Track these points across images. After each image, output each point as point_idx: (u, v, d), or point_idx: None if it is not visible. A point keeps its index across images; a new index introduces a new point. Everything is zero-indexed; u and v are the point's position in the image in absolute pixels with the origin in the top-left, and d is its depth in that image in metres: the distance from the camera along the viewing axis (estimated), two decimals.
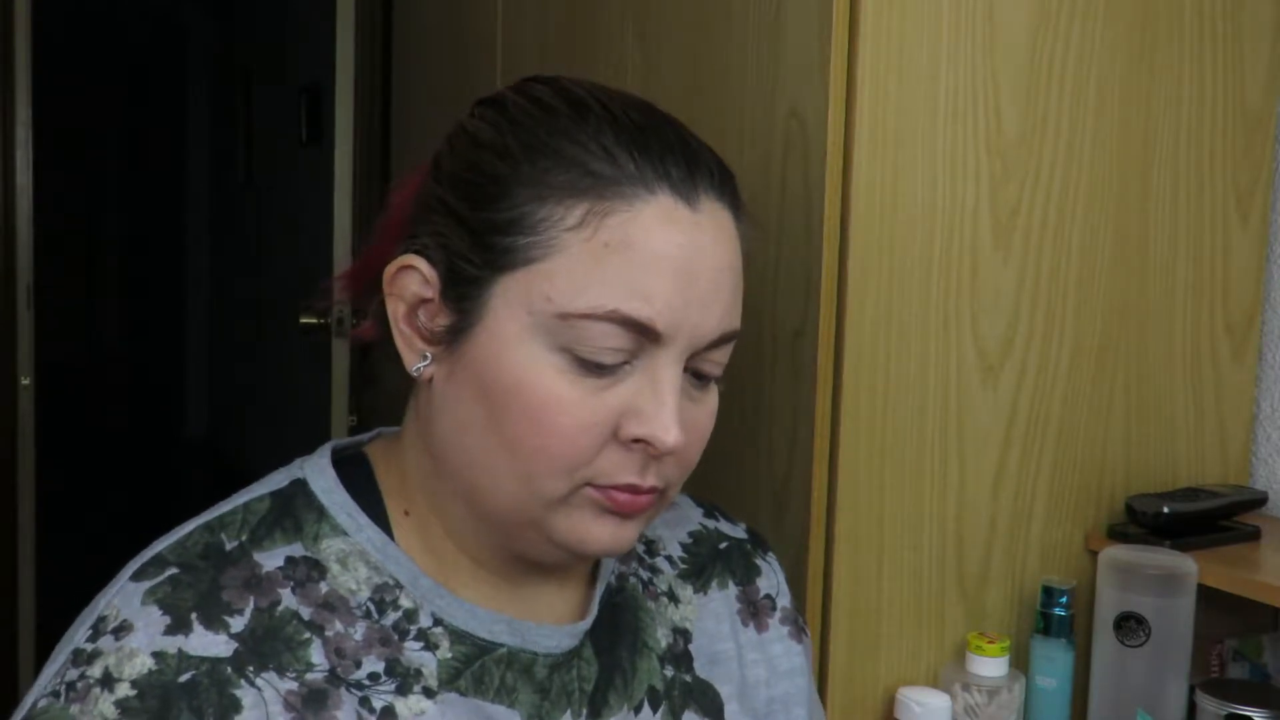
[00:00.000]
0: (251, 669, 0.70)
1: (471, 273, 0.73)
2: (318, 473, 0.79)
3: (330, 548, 0.76)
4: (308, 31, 4.29)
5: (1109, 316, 1.33)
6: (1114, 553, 1.26)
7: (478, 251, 0.73)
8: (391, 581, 0.76)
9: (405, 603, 0.76)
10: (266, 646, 0.71)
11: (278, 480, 0.79)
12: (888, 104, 1.16)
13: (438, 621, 0.76)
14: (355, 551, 0.76)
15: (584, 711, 0.80)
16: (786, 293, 1.21)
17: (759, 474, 1.25)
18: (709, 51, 1.31)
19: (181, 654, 0.68)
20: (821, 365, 1.18)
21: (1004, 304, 1.25)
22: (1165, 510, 1.29)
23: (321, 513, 0.77)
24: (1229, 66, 1.38)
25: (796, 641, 0.95)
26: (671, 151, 0.73)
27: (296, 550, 0.75)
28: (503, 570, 0.80)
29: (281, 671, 0.71)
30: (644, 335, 0.71)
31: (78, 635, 0.70)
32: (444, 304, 0.74)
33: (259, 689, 0.70)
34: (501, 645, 0.78)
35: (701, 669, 0.88)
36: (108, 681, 0.67)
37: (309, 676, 0.71)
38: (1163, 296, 1.37)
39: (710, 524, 0.96)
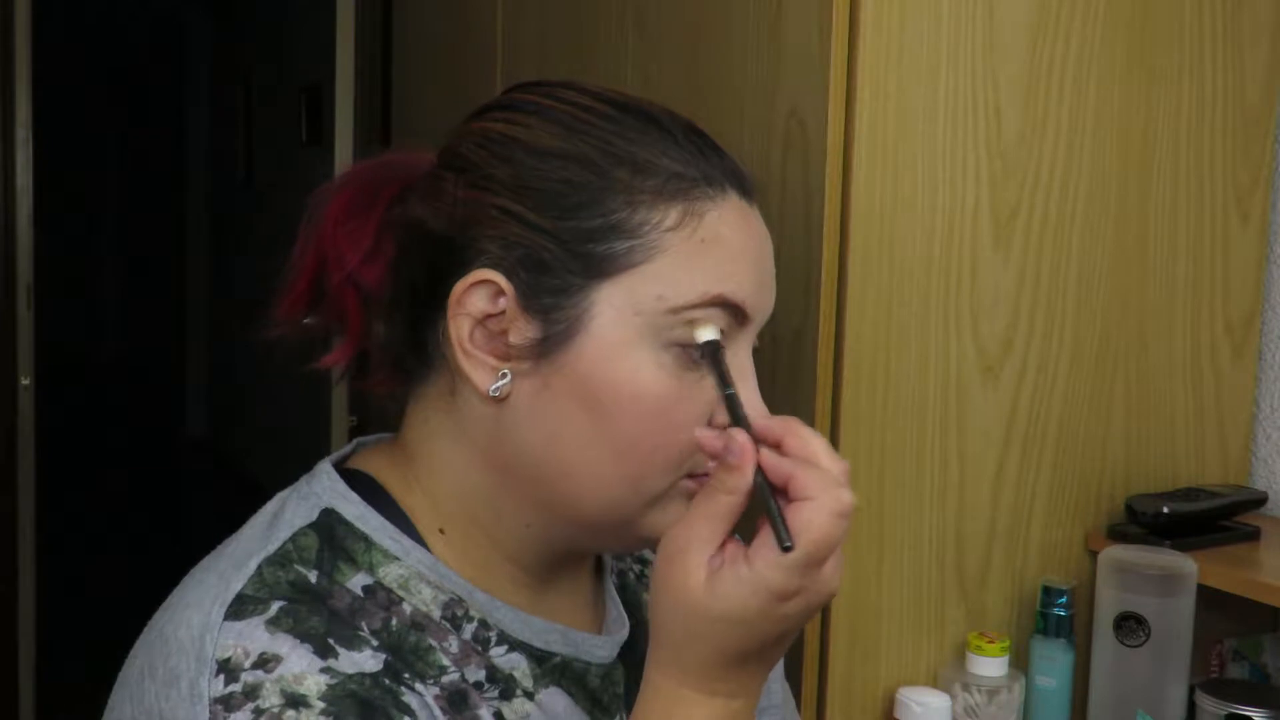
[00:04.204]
0: (407, 676, 0.70)
1: (563, 282, 0.72)
2: (341, 499, 0.76)
3: (389, 574, 0.74)
4: (308, 31, 4.29)
5: (1109, 316, 1.33)
6: (1114, 553, 1.26)
7: (569, 260, 0.72)
8: (454, 598, 0.75)
9: (474, 613, 0.75)
10: (401, 658, 0.70)
11: (301, 511, 0.76)
12: (888, 104, 1.16)
13: (502, 635, 0.76)
14: (412, 574, 0.74)
15: (623, 716, 0.81)
16: (786, 293, 1.20)
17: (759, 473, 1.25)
18: (709, 51, 1.31)
19: (344, 674, 0.67)
20: (821, 365, 1.18)
21: (1004, 304, 1.25)
22: (1165, 510, 1.29)
23: (367, 541, 0.74)
24: (1229, 66, 1.38)
25: None
26: (718, 149, 0.78)
27: (366, 579, 0.73)
28: (540, 573, 0.80)
29: (423, 679, 0.71)
30: (736, 318, 0.74)
31: (201, 686, 0.66)
32: (528, 316, 0.72)
33: (420, 694, 0.70)
34: (556, 655, 0.78)
35: None
36: (295, 702, 0.65)
37: (445, 680, 0.72)
38: (1163, 296, 1.37)
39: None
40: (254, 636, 0.67)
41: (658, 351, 0.72)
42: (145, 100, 6.55)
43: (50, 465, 3.33)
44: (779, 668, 0.98)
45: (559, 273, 0.72)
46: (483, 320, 0.73)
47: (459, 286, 0.73)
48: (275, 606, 0.68)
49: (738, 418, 0.69)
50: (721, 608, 0.65)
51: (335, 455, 0.82)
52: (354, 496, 0.76)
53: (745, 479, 0.66)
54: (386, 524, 0.75)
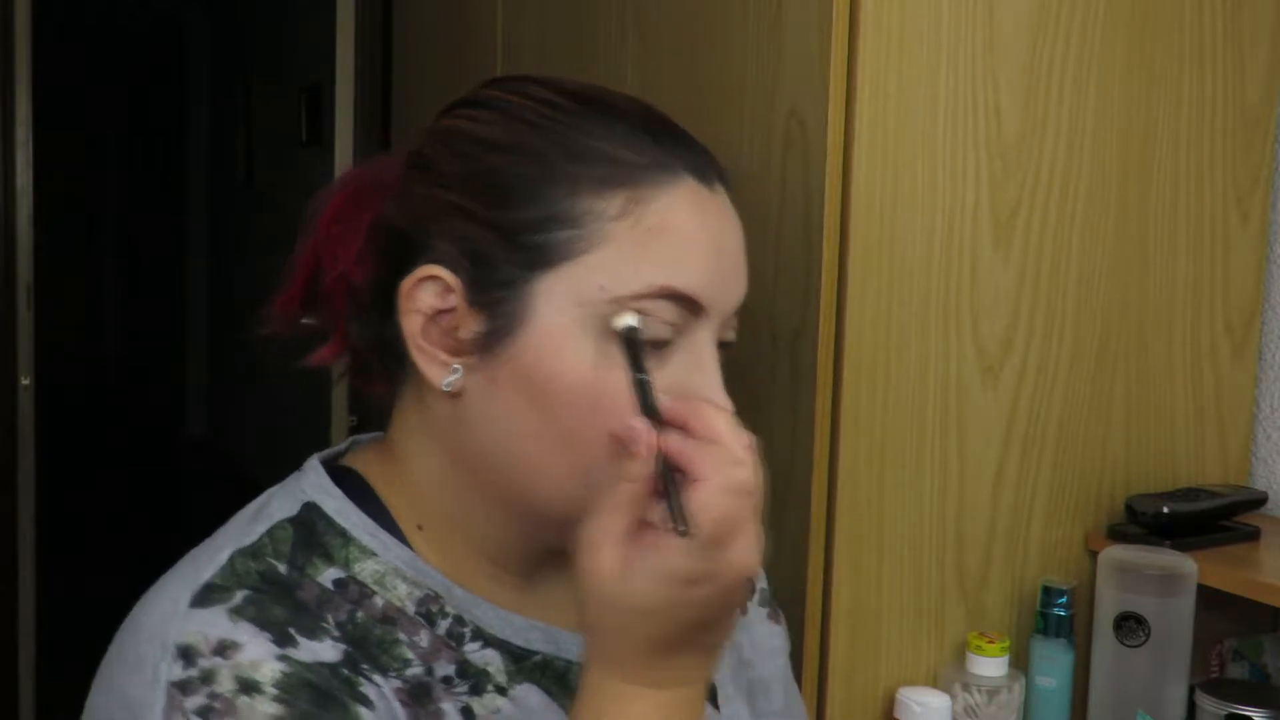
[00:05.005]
0: (365, 667, 0.70)
1: (505, 275, 0.72)
2: (324, 494, 0.77)
3: (365, 569, 0.74)
4: (308, 31, 4.29)
5: (1109, 316, 1.33)
6: (1114, 553, 1.26)
7: (512, 252, 0.72)
8: (431, 593, 0.75)
9: (450, 609, 0.76)
10: (364, 651, 0.71)
11: (285, 505, 0.77)
12: (888, 104, 1.16)
13: (478, 631, 0.76)
14: (389, 570, 0.75)
15: None
16: (786, 293, 1.21)
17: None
18: (709, 51, 1.31)
19: (302, 663, 0.68)
20: (821, 365, 1.18)
21: (1004, 304, 1.25)
22: (1165, 510, 1.29)
23: (345, 536, 0.75)
24: (1229, 66, 1.38)
25: (775, 623, 0.97)
26: (678, 136, 0.75)
27: (339, 573, 0.74)
28: (521, 570, 0.80)
29: (384, 671, 0.71)
30: (690, 309, 0.72)
31: (161, 670, 0.67)
32: (473, 311, 0.73)
33: (377, 685, 0.70)
34: (537, 653, 0.78)
35: None
36: (249, 688, 0.66)
37: (409, 673, 0.72)
38: (1163, 296, 1.37)
39: None
40: (216, 624, 0.68)
41: (601, 342, 0.71)
42: (145, 100, 6.55)
43: (50, 465, 3.33)
44: (783, 672, 0.97)
45: (503, 266, 0.72)
46: (435, 316, 0.74)
47: (407, 282, 0.73)
48: (240, 595, 0.70)
49: (645, 404, 0.68)
50: (633, 599, 0.64)
51: (328, 452, 0.83)
52: (336, 492, 0.77)
53: (644, 465, 0.65)
54: (366, 520, 0.76)
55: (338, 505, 0.76)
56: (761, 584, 0.96)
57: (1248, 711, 1.19)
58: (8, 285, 2.86)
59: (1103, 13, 1.28)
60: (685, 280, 0.72)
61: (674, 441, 0.65)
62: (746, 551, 0.64)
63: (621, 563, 0.64)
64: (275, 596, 0.70)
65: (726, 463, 0.64)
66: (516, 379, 0.72)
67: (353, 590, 0.73)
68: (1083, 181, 1.29)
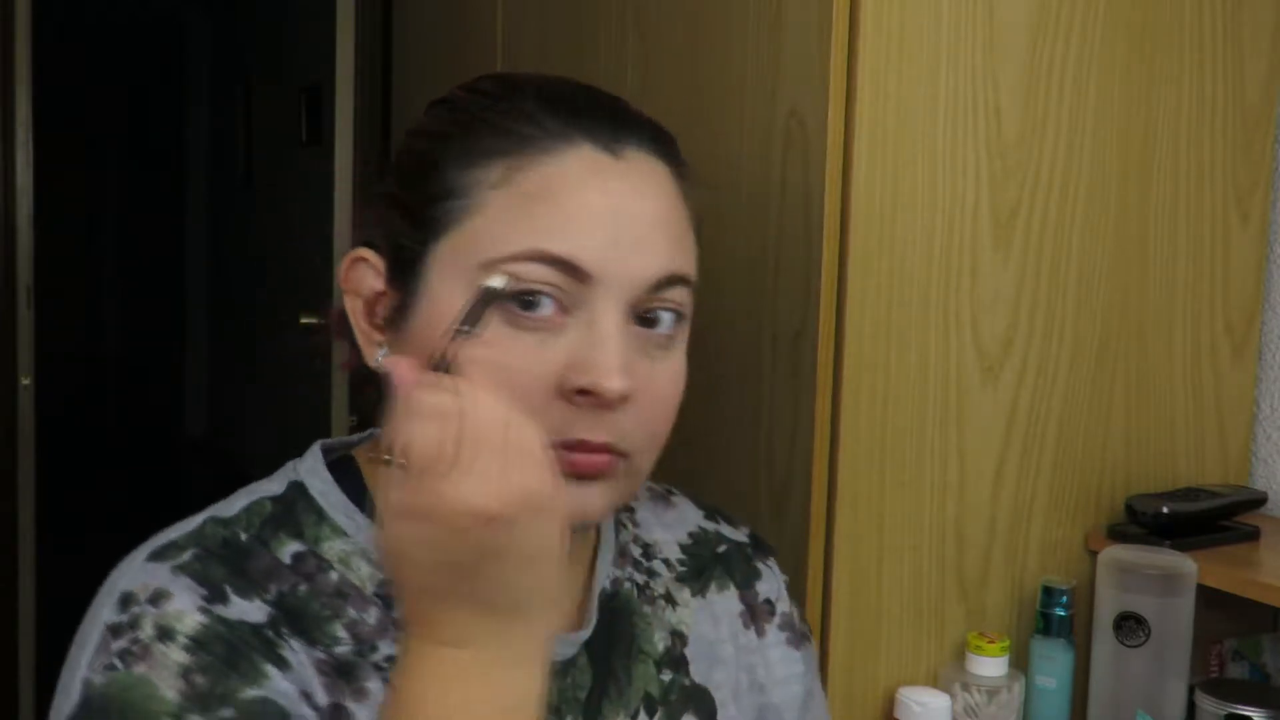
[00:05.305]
0: (286, 631, 0.71)
1: (411, 251, 0.74)
2: (313, 475, 0.79)
3: (331, 549, 0.76)
4: (308, 31, 4.29)
5: (1109, 316, 1.33)
6: (1114, 553, 1.26)
7: (415, 229, 0.74)
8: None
9: None
10: (295, 621, 0.72)
11: (276, 484, 0.79)
12: (888, 104, 1.16)
13: None
14: (356, 551, 0.76)
15: (575, 717, 0.80)
16: (786, 293, 1.21)
17: (759, 474, 1.25)
18: (709, 51, 1.31)
19: (224, 619, 0.70)
20: (821, 365, 1.18)
21: (1004, 304, 1.25)
22: (1165, 510, 1.29)
23: (320, 515, 0.77)
24: (1229, 66, 1.38)
25: (794, 649, 0.94)
26: (596, 109, 0.76)
27: (300, 548, 0.76)
28: None
29: (312, 643, 0.72)
30: (573, 275, 0.71)
31: (103, 614, 0.70)
32: (391, 289, 0.76)
33: (295, 651, 0.71)
34: None
35: (698, 673, 0.88)
36: (164, 635, 0.68)
37: (337, 650, 0.73)
38: (1163, 296, 1.37)
39: (710, 526, 0.95)
40: (157, 576, 0.71)
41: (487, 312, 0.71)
42: (145, 100, 6.55)
43: (50, 465, 3.33)
44: (798, 699, 0.93)
45: (410, 243, 0.75)
46: (373, 299, 0.76)
47: (342, 265, 0.77)
48: (189, 554, 0.72)
49: (440, 358, 0.65)
50: (381, 542, 0.64)
51: (337, 440, 0.85)
52: (326, 475, 0.79)
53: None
54: (347, 503, 0.78)
55: (323, 487, 0.78)
56: (784, 608, 0.94)
57: (1247, 711, 1.19)
58: (8, 285, 2.86)
59: (1103, 13, 1.28)
60: (564, 245, 0.71)
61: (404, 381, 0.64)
62: (467, 488, 0.60)
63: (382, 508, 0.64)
64: (223, 559, 0.73)
65: (429, 391, 0.62)
66: (417, 352, 0.71)
67: (310, 564, 0.75)
68: (1083, 181, 1.29)
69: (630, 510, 0.91)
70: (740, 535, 0.96)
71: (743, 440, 1.27)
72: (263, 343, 5.29)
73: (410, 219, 0.75)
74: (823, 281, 1.17)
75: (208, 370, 6.46)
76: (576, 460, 0.72)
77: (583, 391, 0.71)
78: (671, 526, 0.93)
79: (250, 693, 0.68)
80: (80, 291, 6.50)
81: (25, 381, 2.90)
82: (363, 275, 0.77)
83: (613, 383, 0.70)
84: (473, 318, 0.67)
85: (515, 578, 0.63)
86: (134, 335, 6.69)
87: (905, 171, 1.18)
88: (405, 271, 0.75)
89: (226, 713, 0.67)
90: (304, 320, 2.74)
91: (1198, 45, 1.35)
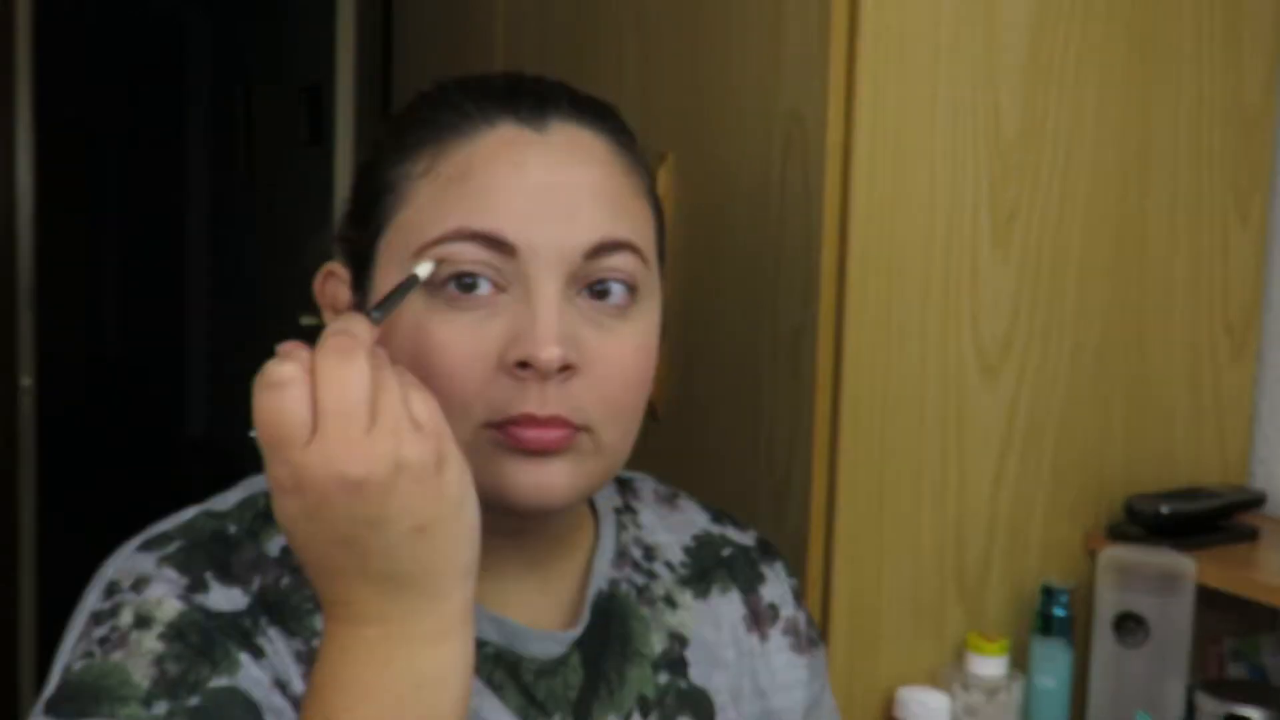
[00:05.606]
0: (265, 621, 0.72)
1: (362, 254, 0.77)
2: None
3: None
4: (308, 31, 4.29)
5: (1109, 316, 1.33)
6: (1113, 553, 1.27)
7: (362, 230, 0.77)
8: None
9: None
10: (275, 612, 0.73)
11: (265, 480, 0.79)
12: (888, 104, 1.16)
13: None
14: None
15: (565, 715, 0.80)
16: (786, 293, 1.21)
17: (759, 474, 1.25)
18: (709, 51, 1.31)
19: (204, 608, 0.70)
20: (821, 365, 1.18)
21: (1004, 304, 1.25)
22: (1164, 510, 1.29)
23: None
24: (1228, 66, 1.38)
25: (798, 654, 0.92)
26: (519, 89, 0.76)
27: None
28: (482, 563, 0.79)
29: (290, 633, 0.73)
30: (500, 250, 0.71)
31: (89, 601, 0.72)
32: (354, 295, 0.78)
33: (271, 640, 0.72)
34: (488, 643, 0.77)
35: (697, 675, 0.87)
36: (142, 623, 0.69)
37: (315, 643, 0.73)
38: (1162, 296, 1.37)
39: (716, 529, 0.94)
40: (142, 565, 0.71)
41: (424, 298, 0.72)
42: (145, 100, 6.55)
43: (50, 465, 3.33)
44: (800, 705, 0.92)
45: (359, 246, 0.77)
46: (346, 310, 0.78)
47: (316, 280, 0.80)
48: (176, 544, 0.73)
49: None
50: (279, 522, 0.63)
51: None
52: None
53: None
54: None
55: None
56: (789, 613, 0.92)
57: (1247, 711, 1.19)
58: (8, 285, 2.86)
59: (1103, 13, 1.28)
60: (485, 221, 0.71)
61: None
62: (325, 453, 0.59)
63: None
64: (209, 551, 0.73)
65: (275, 362, 0.61)
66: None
67: (295, 558, 0.74)
68: (1083, 181, 1.29)
69: (634, 512, 0.91)
70: (746, 539, 0.95)
71: (743, 440, 1.27)
72: (263, 342, 5.29)
73: (358, 224, 0.77)
74: (823, 281, 1.17)
75: (208, 370, 6.46)
76: (526, 436, 0.71)
77: (522, 364, 0.70)
78: (676, 529, 0.92)
79: (219, 682, 0.68)
80: (80, 291, 6.50)
81: (26, 382, 2.90)
82: (335, 289, 0.79)
83: (547, 351, 0.70)
84: (387, 305, 0.68)
85: (408, 549, 0.62)
86: (134, 335, 6.69)
87: (905, 171, 1.18)
88: (361, 275, 0.77)
89: (194, 701, 0.67)
90: (304, 320, 2.74)
91: (1197, 45, 1.35)
